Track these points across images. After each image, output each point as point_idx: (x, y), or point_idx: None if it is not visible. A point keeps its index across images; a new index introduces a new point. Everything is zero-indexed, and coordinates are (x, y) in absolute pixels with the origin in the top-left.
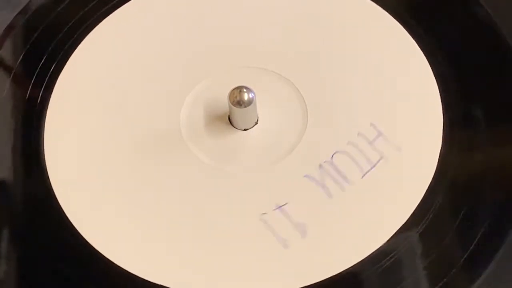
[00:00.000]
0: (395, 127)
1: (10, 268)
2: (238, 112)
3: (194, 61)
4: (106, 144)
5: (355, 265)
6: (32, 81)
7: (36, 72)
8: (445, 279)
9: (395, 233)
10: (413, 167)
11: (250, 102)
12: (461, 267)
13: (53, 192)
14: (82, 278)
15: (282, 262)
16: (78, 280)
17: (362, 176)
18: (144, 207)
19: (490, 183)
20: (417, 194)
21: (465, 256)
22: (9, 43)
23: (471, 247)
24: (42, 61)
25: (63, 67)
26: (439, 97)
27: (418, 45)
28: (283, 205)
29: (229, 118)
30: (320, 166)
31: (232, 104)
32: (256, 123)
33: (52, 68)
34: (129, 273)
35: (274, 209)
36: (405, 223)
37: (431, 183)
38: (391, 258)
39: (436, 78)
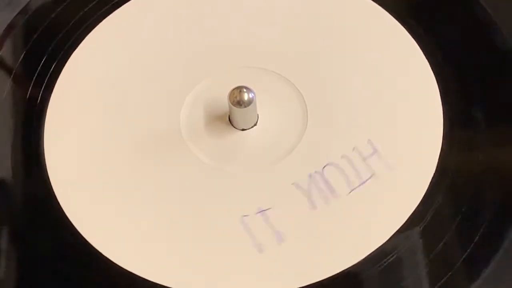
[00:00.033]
0: (395, 131)
1: (10, 268)
2: (238, 112)
3: (194, 61)
4: (106, 144)
5: (355, 265)
6: (32, 81)
7: (36, 72)
8: (445, 279)
9: (395, 233)
10: (413, 167)
11: (250, 102)
12: (461, 267)
13: (53, 192)
14: (82, 278)
15: (282, 261)
16: (78, 280)
17: (350, 192)
18: (144, 207)
19: (490, 183)
20: (417, 194)
21: (465, 256)
22: (9, 43)
23: (471, 247)
24: (42, 61)
25: (63, 67)
26: (439, 97)
27: (418, 45)
28: (265, 210)
29: (229, 118)
30: (310, 175)
31: (232, 104)
32: (256, 123)
33: (52, 68)
34: (129, 272)
35: (256, 213)
36: (405, 222)
37: (431, 183)
38: (391, 257)
39: (436, 78)
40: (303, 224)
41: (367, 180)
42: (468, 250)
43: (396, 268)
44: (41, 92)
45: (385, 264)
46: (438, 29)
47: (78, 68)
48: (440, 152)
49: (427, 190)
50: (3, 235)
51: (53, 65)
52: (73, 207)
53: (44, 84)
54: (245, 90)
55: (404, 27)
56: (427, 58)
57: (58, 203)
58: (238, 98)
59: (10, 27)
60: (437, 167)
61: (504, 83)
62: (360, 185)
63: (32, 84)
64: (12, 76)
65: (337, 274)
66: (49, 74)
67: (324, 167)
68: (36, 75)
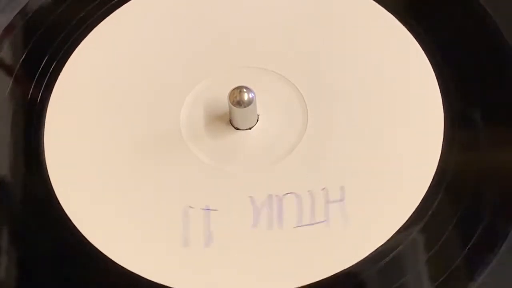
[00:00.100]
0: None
1: (10, 268)
2: (238, 112)
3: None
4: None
5: (355, 264)
6: (32, 81)
7: (36, 72)
8: (445, 279)
9: (396, 233)
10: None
11: (250, 102)
12: (461, 267)
13: (54, 192)
14: (82, 278)
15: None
16: (78, 279)
17: (295, 227)
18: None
19: (490, 183)
20: (417, 193)
21: (464, 256)
22: (9, 44)
23: (471, 247)
24: (42, 61)
25: (63, 67)
26: (440, 97)
27: (419, 45)
28: (211, 210)
29: (229, 118)
30: (269, 196)
31: (232, 104)
32: (256, 123)
33: (52, 68)
34: (130, 272)
35: (202, 208)
36: (406, 222)
37: (431, 183)
38: (391, 257)
39: (436, 78)
40: (238, 237)
41: (317, 223)
42: (468, 250)
43: (396, 268)
44: (41, 92)
45: (385, 264)
46: (438, 29)
47: (78, 68)
48: (441, 152)
49: (427, 190)
50: (3, 235)
51: (53, 65)
52: (73, 206)
53: (44, 84)
54: (245, 90)
55: (405, 27)
56: (427, 58)
57: (59, 203)
58: (238, 98)
59: (10, 27)
60: (437, 167)
61: (504, 83)
62: (308, 225)
63: (32, 84)
64: (12, 76)
65: (337, 274)
66: (49, 74)
67: (286, 194)
68: (36, 75)
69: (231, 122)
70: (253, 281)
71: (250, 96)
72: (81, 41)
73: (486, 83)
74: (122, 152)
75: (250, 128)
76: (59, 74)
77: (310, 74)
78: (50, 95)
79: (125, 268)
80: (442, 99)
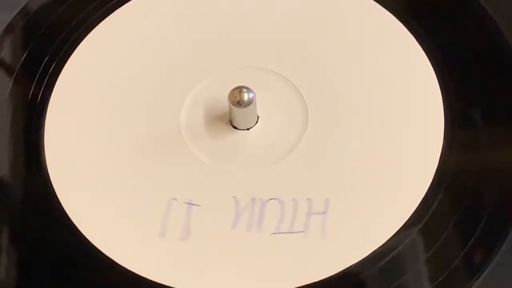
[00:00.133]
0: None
1: (10, 268)
2: (238, 112)
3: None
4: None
5: (355, 264)
6: (33, 81)
7: (37, 72)
8: (445, 279)
9: (396, 233)
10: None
11: (250, 102)
12: (461, 266)
13: (54, 192)
14: (83, 277)
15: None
16: (79, 279)
17: (273, 233)
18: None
19: (490, 183)
20: (418, 193)
21: (465, 255)
22: (9, 44)
23: (471, 247)
24: (43, 61)
25: (63, 67)
26: (440, 97)
27: (420, 45)
28: (194, 204)
29: (229, 118)
30: (252, 200)
31: (232, 104)
32: (256, 123)
33: (52, 68)
34: (131, 271)
35: (185, 202)
36: (406, 222)
37: (431, 182)
38: (391, 257)
39: (436, 78)
40: (215, 236)
41: (295, 232)
42: (468, 250)
43: (396, 268)
44: (41, 92)
45: (385, 264)
46: (438, 29)
47: (78, 68)
48: (441, 152)
49: (427, 190)
50: (3, 235)
51: (53, 65)
52: (74, 206)
53: (44, 83)
54: (245, 90)
55: (405, 26)
56: (428, 58)
57: (59, 202)
58: (238, 98)
59: (10, 27)
60: (437, 167)
61: (504, 83)
62: (285, 233)
63: (32, 84)
64: (12, 76)
65: (337, 274)
66: (49, 74)
67: (270, 199)
68: (36, 75)
69: (231, 122)
70: (253, 281)
71: (250, 96)
72: (81, 41)
73: (486, 83)
74: (122, 152)
75: (250, 128)
76: (59, 74)
77: (310, 74)
78: (50, 95)
79: (125, 268)
80: (442, 99)
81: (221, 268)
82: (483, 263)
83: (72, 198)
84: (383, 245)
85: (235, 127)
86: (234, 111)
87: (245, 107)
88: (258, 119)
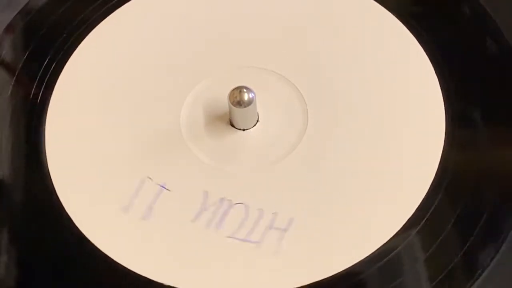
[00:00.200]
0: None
1: (11, 268)
2: (238, 112)
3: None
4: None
5: (355, 264)
6: (33, 81)
7: (37, 72)
8: (444, 278)
9: (397, 233)
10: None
11: (250, 102)
12: (461, 266)
13: (55, 192)
14: (83, 277)
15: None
16: (79, 279)
17: (228, 237)
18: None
19: (491, 183)
20: (418, 193)
21: (465, 255)
22: (10, 44)
23: (471, 247)
24: (43, 61)
25: (63, 67)
26: (440, 97)
27: (420, 44)
28: (166, 188)
29: (229, 118)
30: (221, 199)
31: (232, 104)
32: (256, 123)
33: (52, 68)
34: (131, 271)
35: (157, 183)
36: (407, 222)
37: (432, 182)
38: (392, 257)
39: (437, 78)
40: (173, 224)
41: (249, 241)
42: (468, 250)
43: (397, 268)
44: (41, 92)
45: (385, 264)
46: (438, 29)
47: (79, 68)
48: (442, 152)
49: (428, 190)
50: (3, 235)
51: (53, 65)
52: (74, 206)
53: (45, 84)
54: (245, 90)
55: (405, 26)
56: (428, 57)
57: (60, 202)
58: (238, 98)
59: (10, 27)
60: (438, 167)
61: (504, 83)
62: (240, 239)
63: (32, 84)
64: (12, 76)
65: (337, 274)
66: (49, 74)
67: (238, 203)
68: (36, 75)
69: (231, 122)
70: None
71: (250, 96)
72: (81, 41)
73: (487, 83)
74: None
75: (250, 128)
76: (59, 74)
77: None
78: (51, 95)
79: (126, 268)
80: (443, 99)
81: (169, 256)
82: (483, 263)
83: (72, 198)
84: (383, 245)
85: (235, 127)
86: (234, 111)
87: (245, 107)
88: (258, 119)
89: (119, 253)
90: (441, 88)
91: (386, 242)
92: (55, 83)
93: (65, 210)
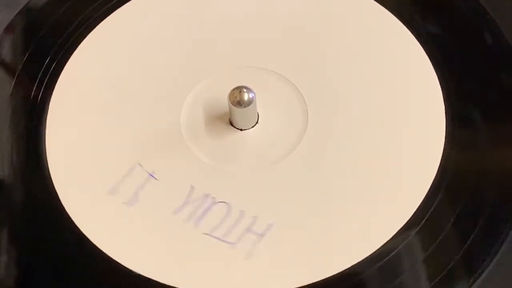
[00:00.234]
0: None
1: (11, 268)
2: (238, 112)
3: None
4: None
5: (355, 265)
6: (34, 81)
7: (37, 72)
8: (445, 279)
9: (397, 233)
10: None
11: (250, 102)
12: (461, 266)
13: (55, 192)
14: (84, 277)
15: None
16: (79, 279)
17: (205, 234)
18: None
19: (491, 183)
20: (419, 193)
21: (465, 255)
22: (9, 43)
23: (472, 247)
24: (43, 61)
25: (63, 67)
26: (441, 97)
27: (420, 44)
28: (154, 177)
29: (229, 118)
30: (206, 195)
31: (232, 104)
32: (256, 123)
33: (52, 68)
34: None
35: (147, 171)
36: (407, 222)
37: (433, 182)
38: (393, 258)
39: (437, 77)
40: (155, 213)
41: (224, 240)
42: (468, 250)
43: (397, 268)
44: (41, 92)
45: (386, 264)
46: (438, 29)
47: (79, 68)
48: (442, 152)
49: (428, 190)
50: (3, 235)
51: (54, 65)
52: (74, 206)
53: (45, 84)
54: (245, 90)
55: (406, 26)
56: (428, 57)
57: (60, 203)
58: (238, 98)
59: (10, 27)
60: (439, 167)
61: (505, 83)
62: (216, 238)
63: (32, 84)
64: (12, 76)
65: (338, 274)
66: (49, 74)
67: (221, 201)
68: (36, 75)
69: (231, 122)
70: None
71: (250, 96)
72: (81, 41)
73: (487, 83)
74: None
75: (250, 128)
76: (59, 74)
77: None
78: (51, 95)
79: (126, 267)
80: (443, 99)
81: (147, 245)
82: (483, 263)
83: (72, 198)
84: (383, 245)
85: (235, 127)
86: (234, 111)
87: (245, 107)
88: (258, 119)
89: (119, 253)
90: (441, 88)
91: (386, 242)
92: (55, 83)
93: (65, 210)
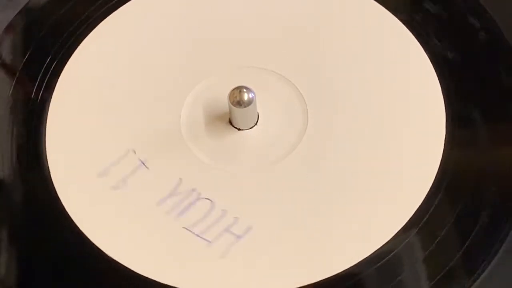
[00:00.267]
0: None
1: (11, 267)
2: (238, 112)
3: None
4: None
5: (355, 265)
6: (34, 81)
7: (37, 72)
8: (445, 279)
9: (397, 233)
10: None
11: (250, 102)
12: (461, 266)
13: (55, 191)
14: (84, 277)
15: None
16: (79, 279)
17: (184, 228)
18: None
19: (491, 183)
20: (419, 193)
21: (465, 255)
22: (10, 43)
23: (471, 247)
24: (43, 61)
25: (63, 67)
26: (441, 97)
27: (420, 44)
28: (145, 165)
29: (229, 118)
30: (193, 189)
31: (232, 104)
32: (256, 123)
33: (52, 68)
34: (132, 271)
35: (139, 159)
36: (407, 222)
37: (433, 182)
38: (393, 258)
39: (437, 77)
40: (138, 202)
41: (202, 237)
42: (468, 250)
43: (397, 268)
44: (41, 92)
45: (386, 265)
46: (439, 29)
47: (79, 68)
48: (442, 152)
49: (429, 190)
50: (4, 235)
51: (54, 65)
52: (74, 206)
53: (45, 84)
54: (245, 90)
55: (406, 26)
56: (428, 57)
57: (60, 202)
58: (238, 98)
59: (10, 27)
60: (439, 167)
61: (505, 83)
62: (195, 234)
63: (32, 84)
64: (12, 76)
65: (337, 274)
66: (49, 74)
67: (206, 198)
68: (37, 75)
69: (231, 122)
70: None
71: (250, 96)
72: (81, 41)
73: (487, 83)
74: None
75: (250, 128)
76: (60, 74)
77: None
78: (51, 95)
79: (127, 267)
80: (443, 99)
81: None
82: (483, 263)
83: (72, 198)
84: (383, 245)
85: (235, 127)
86: (234, 111)
87: (245, 107)
88: (258, 119)
89: (120, 253)
90: (441, 88)
91: (386, 242)
92: (55, 83)
93: (65, 210)
